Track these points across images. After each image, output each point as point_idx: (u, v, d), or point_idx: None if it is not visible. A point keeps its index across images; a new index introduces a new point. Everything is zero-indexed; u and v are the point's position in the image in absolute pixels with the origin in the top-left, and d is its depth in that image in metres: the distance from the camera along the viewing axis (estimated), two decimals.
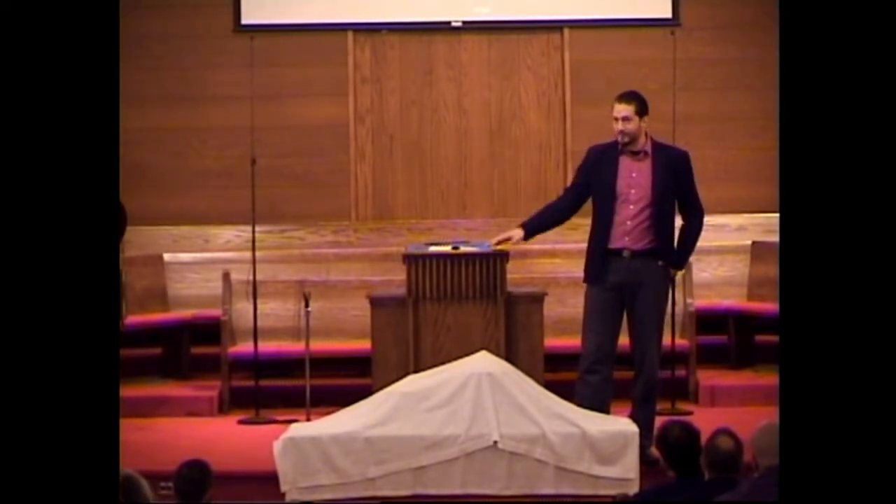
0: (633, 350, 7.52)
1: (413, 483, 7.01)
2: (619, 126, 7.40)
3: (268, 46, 10.10)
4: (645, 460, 7.07)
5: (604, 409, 7.37)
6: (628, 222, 7.40)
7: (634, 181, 7.40)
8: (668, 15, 10.41)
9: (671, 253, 7.49)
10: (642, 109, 7.42)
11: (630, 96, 7.46)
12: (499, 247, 7.76)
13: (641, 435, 7.06)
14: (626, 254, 7.40)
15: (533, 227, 7.67)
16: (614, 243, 7.40)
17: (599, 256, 7.42)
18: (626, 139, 7.39)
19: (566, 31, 10.48)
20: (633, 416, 7.37)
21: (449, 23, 10.50)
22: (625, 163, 7.43)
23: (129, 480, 5.02)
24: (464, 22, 10.50)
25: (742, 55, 10.40)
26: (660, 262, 7.44)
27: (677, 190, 7.47)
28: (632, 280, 7.39)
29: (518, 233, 7.64)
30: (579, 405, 7.28)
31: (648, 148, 7.45)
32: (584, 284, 7.56)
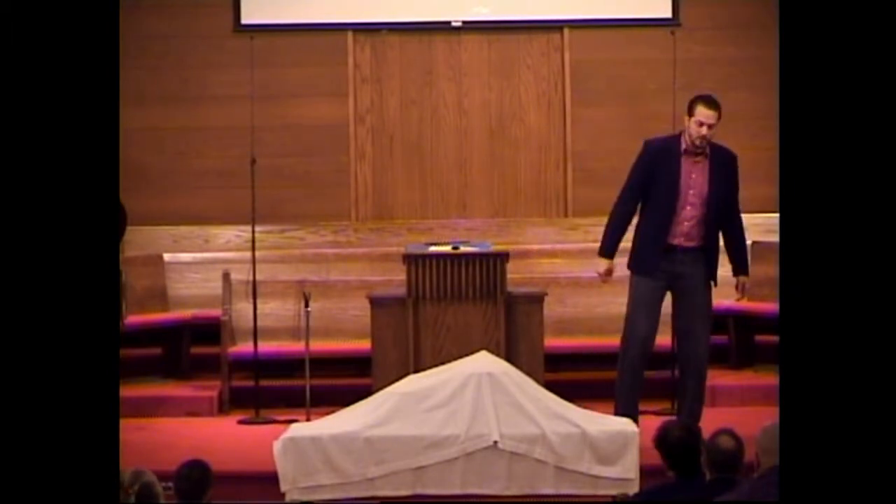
0: (681, 346, 7.61)
1: (413, 483, 7.01)
2: (704, 131, 7.42)
3: (268, 46, 10.10)
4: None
5: (638, 396, 7.53)
6: (685, 223, 7.48)
7: (694, 182, 7.48)
8: (668, 15, 10.41)
9: (735, 257, 7.63)
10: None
11: (717, 103, 7.48)
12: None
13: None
14: (679, 250, 7.47)
15: (614, 250, 7.65)
16: (670, 240, 7.48)
17: (656, 250, 7.47)
18: (705, 144, 7.44)
19: (566, 31, 10.48)
20: (688, 414, 7.42)
21: (449, 23, 10.50)
22: (685, 163, 7.49)
23: (148, 487, 5.02)
24: (464, 22, 10.50)
25: (742, 55, 10.40)
26: (705, 263, 7.51)
27: (727, 191, 7.56)
28: (682, 275, 7.48)
29: (612, 265, 7.63)
30: (622, 390, 7.46)
31: (708, 150, 7.51)
32: (630, 272, 7.60)
